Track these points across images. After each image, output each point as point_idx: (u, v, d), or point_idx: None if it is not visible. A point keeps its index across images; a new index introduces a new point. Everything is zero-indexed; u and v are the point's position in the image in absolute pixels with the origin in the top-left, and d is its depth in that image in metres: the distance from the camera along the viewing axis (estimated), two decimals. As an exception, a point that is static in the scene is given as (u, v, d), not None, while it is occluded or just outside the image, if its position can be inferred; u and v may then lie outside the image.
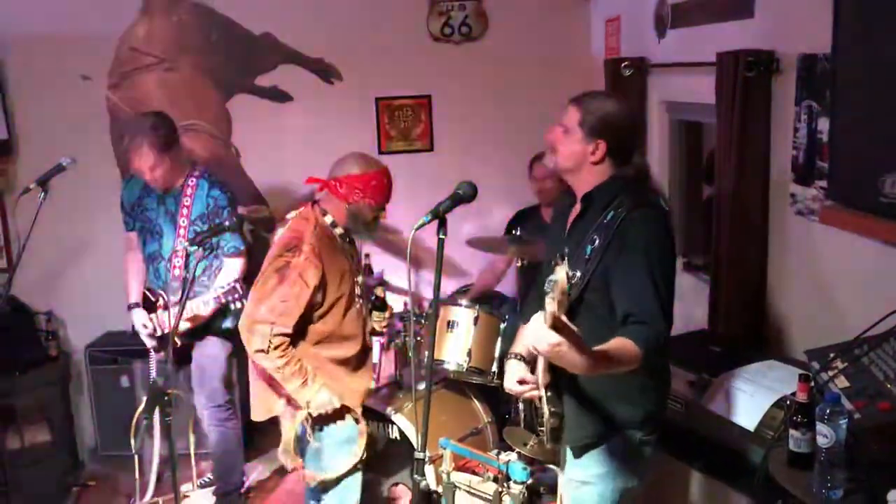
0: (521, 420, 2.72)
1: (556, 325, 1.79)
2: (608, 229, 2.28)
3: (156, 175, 3.55)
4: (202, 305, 3.55)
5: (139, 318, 3.72)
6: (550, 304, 1.78)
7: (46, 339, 4.54)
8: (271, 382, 3.01)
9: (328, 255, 2.95)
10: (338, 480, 3.11)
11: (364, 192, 2.97)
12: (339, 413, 3.02)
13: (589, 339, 2.04)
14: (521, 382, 2.52)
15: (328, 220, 3.03)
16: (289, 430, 3.06)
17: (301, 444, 3.10)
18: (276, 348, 2.85)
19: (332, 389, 2.98)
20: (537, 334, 1.82)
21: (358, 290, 3.10)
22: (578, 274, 2.30)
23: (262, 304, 2.88)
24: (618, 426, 2.40)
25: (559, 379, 2.40)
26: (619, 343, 2.11)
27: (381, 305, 3.31)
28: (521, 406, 2.65)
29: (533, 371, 2.59)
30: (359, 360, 3.13)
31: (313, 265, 2.87)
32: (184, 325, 3.48)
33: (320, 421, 3.02)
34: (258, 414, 3.13)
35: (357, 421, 3.10)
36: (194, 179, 3.66)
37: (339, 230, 3.04)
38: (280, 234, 3.08)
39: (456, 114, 4.82)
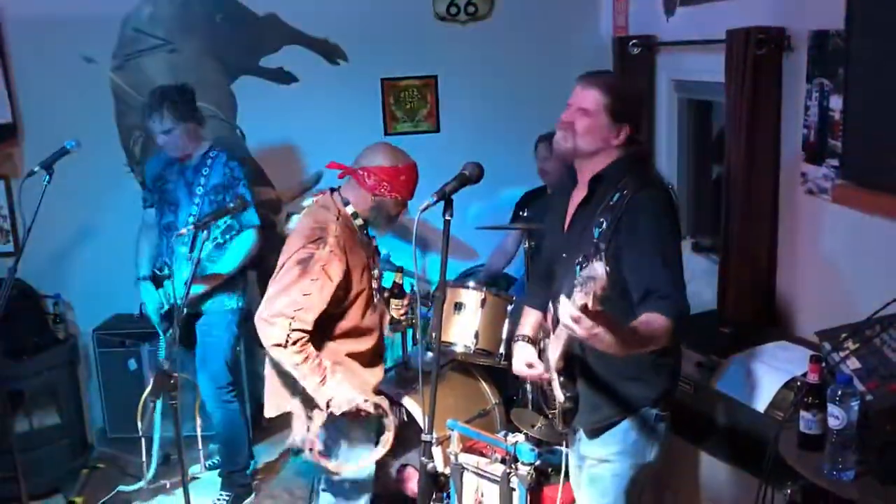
0: (529, 402, 2.72)
1: (587, 312, 1.80)
2: (614, 211, 2.27)
3: (167, 139, 3.64)
4: (214, 260, 3.66)
5: (147, 291, 3.77)
6: (583, 298, 1.78)
7: (54, 322, 4.54)
8: (285, 379, 2.88)
9: (351, 249, 2.84)
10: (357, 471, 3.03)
11: (392, 185, 2.85)
12: (362, 410, 2.87)
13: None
14: (530, 365, 2.51)
15: (349, 210, 2.91)
16: (303, 431, 2.91)
17: (324, 442, 2.95)
18: (294, 343, 2.70)
19: (350, 384, 2.85)
20: (573, 319, 1.82)
21: (375, 284, 3.02)
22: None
23: (282, 296, 2.72)
24: (632, 406, 2.41)
25: (573, 362, 2.39)
26: (648, 318, 2.13)
27: (399, 293, 3.25)
28: (528, 387, 2.64)
29: (540, 353, 2.58)
30: (375, 353, 3.05)
31: (337, 258, 2.75)
32: (201, 287, 3.63)
33: (343, 418, 2.86)
34: (270, 410, 3.01)
35: (384, 414, 2.94)
36: (214, 152, 3.76)
37: (359, 221, 2.93)
38: (299, 222, 2.93)
39: (462, 94, 4.77)
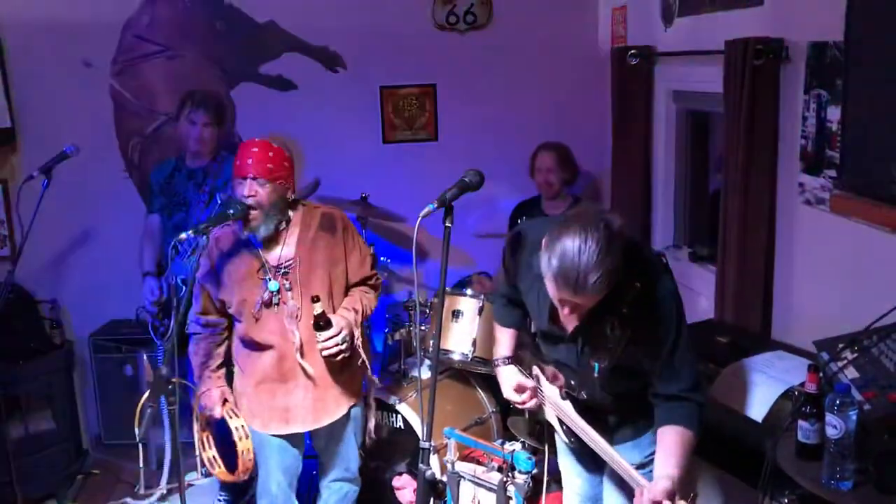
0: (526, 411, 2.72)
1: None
2: (626, 304, 2.14)
3: (200, 132, 3.84)
4: None
5: (149, 285, 3.87)
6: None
7: (50, 327, 4.54)
8: None
9: (225, 254, 2.90)
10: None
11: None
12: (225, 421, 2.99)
13: (621, 392, 2.24)
14: (518, 389, 2.50)
15: None
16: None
17: None
18: (191, 335, 2.96)
19: (241, 391, 3.01)
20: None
21: (267, 297, 2.86)
22: (606, 363, 2.24)
23: None
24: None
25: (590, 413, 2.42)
26: (676, 439, 2.17)
27: (322, 325, 2.78)
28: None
29: (527, 373, 2.60)
30: (282, 373, 2.93)
31: (205, 258, 2.90)
32: None
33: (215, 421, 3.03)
34: None
35: (240, 435, 2.95)
36: (223, 153, 3.95)
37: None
38: None
39: (461, 103, 4.78)
